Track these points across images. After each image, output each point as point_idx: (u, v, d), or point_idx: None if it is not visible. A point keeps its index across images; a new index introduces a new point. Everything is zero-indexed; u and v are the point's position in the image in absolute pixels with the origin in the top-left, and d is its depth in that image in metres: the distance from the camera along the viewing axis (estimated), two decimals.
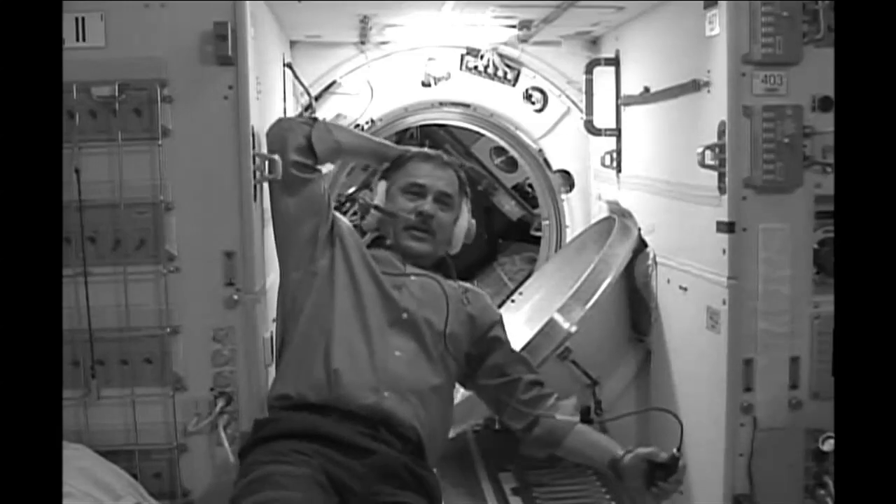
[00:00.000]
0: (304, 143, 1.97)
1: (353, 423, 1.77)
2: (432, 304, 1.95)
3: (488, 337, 2.02)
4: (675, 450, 1.74)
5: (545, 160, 3.15)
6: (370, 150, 2.17)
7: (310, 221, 1.97)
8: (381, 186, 2.09)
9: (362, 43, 2.96)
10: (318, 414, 1.79)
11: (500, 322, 2.08)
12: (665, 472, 1.74)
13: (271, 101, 2.36)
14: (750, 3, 1.92)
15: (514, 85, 3.10)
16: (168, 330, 1.94)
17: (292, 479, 1.62)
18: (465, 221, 2.13)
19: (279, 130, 1.99)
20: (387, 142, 2.21)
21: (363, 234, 2.13)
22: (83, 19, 1.89)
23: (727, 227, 1.98)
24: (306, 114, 2.90)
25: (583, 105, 2.96)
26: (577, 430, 1.91)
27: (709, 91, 2.07)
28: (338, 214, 2.06)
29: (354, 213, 4.10)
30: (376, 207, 2.06)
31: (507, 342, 2.06)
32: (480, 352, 2.01)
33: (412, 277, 1.99)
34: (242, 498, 1.59)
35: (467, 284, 2.11)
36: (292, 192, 1.96)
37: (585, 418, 1.76)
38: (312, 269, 1.95)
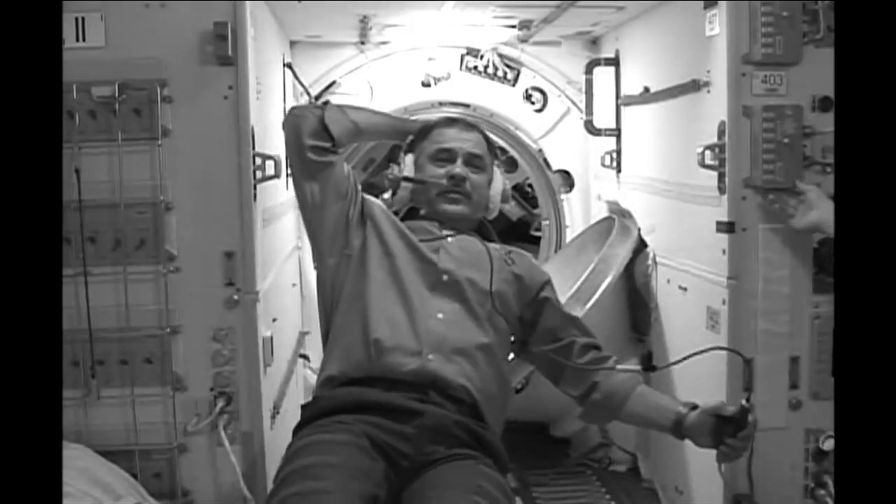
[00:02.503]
0: (317, 126, 1.93)
1: (399, 390, 1.73)
2: (474, 262, 1.91)
3: (539, 298, 1.97)
4: (743, 401, 1.60)
5: (545, 160, 3.15)
6: (390, 126, 2.13)
7: (337, 205, 1.93)
8: (409, 159, 2.05)
9: (362, 43, 2.96)
10: (362, 387, 1.75)
11: (548, 282, 2.03)
12: (733, 427, 1.61)
13: (271, 101, 2.36)
14: (750, 3, 1.92)
15: (514, 85, 3.10)
16: (168, 330, 1.94)
17: (329, 444, 1.60)
18: (500, 183, 2.08)
19: (292, 118, 1.96)
20: (406, 117, 2.17)
21: (396, 212, 2.08)
22: (83, 19, 1.89)
23: (727, 227, 1.98)
24: None
25: (583, 105, 2.96)
26: (638, 393, 1.84)
27: (709, 91, 2.07)
28: (367, 196, 2.02)
29: None
30: (406, 178, 2.02)
31: (558, 303, 2.01)
32: (533, 315, 1.96)
33: (449, 239, 1.95)
34: (282, 470, 1.58)
35: (510, 246, 2.07)
36: (314, 178, 1.92)
37: (648, 366, 1.65)
38: (347, 252, 1.93)
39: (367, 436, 1.64)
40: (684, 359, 1.72)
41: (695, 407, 1.75)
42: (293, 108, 2.00)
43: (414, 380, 1.74)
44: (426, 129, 2.07)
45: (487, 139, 2.10)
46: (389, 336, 1.78)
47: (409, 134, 2.10)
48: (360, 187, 2.01)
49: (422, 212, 2.04)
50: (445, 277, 1.88)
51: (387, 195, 2.06)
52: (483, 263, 1.90)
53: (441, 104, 3.08)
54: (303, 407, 1.84)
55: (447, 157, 2.01)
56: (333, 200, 1.93)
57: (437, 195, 1.99)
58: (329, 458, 1.55)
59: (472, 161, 2.02)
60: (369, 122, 2.07)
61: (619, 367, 1.80)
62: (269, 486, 1.92)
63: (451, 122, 2.09)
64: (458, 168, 1.99)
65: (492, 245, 1.99)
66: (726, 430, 1.63)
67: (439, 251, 1.93)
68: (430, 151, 2.02)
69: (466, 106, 3.09)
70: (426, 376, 1.74)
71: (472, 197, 2.01)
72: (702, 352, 1.82)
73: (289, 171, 2.09)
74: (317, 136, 1.92)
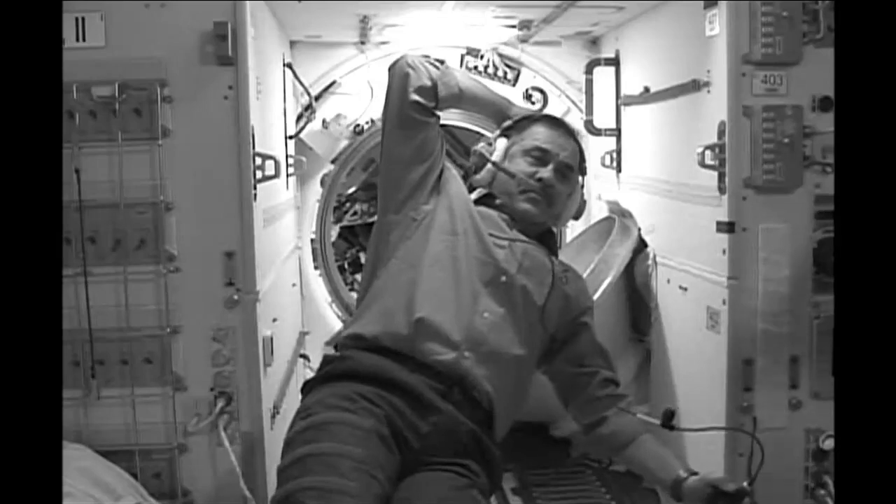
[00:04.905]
0: (428, 84, 1.91)
1: (426, 376, 1.71)
2: (534, 273, 1.89)
3: (578, 321, 1.96)
4: (745, 483, 1.62)
5: None
6: (491, 102, 2.09)
7: (420, 166, 1.91)
8: (501, 144, 2.02)
9: (362, 43, 2.95)
10: (392, 360, 1.72)
11: (591, 309, 2.02)
12: (727, 502, 1.62)
13: (271, 101, 2.36)
14: (750, 3, 1.92)
15: (514, 85, 3.09)
16: (168, 330, 1.94)
17: (354, 429, 1.57)
18: (578, 198, 2.07)
19: (405, 68, 1.92)
20: (509, 99, 2.13)
21: (470, 189, 2.06)
22: (83, 19, 1.89)
23: (727, 227, 1.98)
24: (306, 113, 2.92)
25: (583, 105, 2.96)
26: (642, 440, 1.84)
27: (709, 91, 2.07)
28: (449, 166, 2.00)
29: (354, 213, 4.11)
30: (496, 165, 1.99)
31: (593, 331, 1.99)
32: (566, 335, 1.94)
33: (518, 242, 1.92)
34: (298, 444, 1.56)
35: (567, 263, 2.05)
36: (406, 133, 1.91)
37: (667, 424, 1.67)
38: (413, 214, 1.90)
39: (388, 422, 1.63)
40: (704, 429, 1.79)
41: (694, 473, 1.73)
42: (406, 56, 1.95)
43: (443, 371, 1.72)
44: (528, 121, 2.04)
45: (581, 152, 2.08)
46: (434, 320, 1.75)
47: (508, 118, 2.07)
48: (444, 154, 1.98)
49: (497, 201, 2.01)
50: (504, 278, 1.85)
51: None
52: (544, 277, 1.89)
53: None
54: (326, 358, 1.82)
55: (541, 157, 1.98)
56: (418, 161, 1.91)
57: (520, 192, 1.97)
58: (354, 451, 1.52)
59: (563, 170, 1.99)
60: (472, 94, 2.03)
61: (639, 415, 1.80)
62: (270, 486, 1.93)
63: (554, 122, 2.06)
64: (548, 173, 1.97)
65: (553, 260, 1.97)
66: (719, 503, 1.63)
67: (504, 250, 1.89)
68: (527, 146, 1.99)
69: None
70: (456, 372, 1.73)
71: (552, 205, 1.99)
72: (717, 429, 1.89)
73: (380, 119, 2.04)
74: (423, 93, 1.91)
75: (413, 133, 1.91)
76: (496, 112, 2.09)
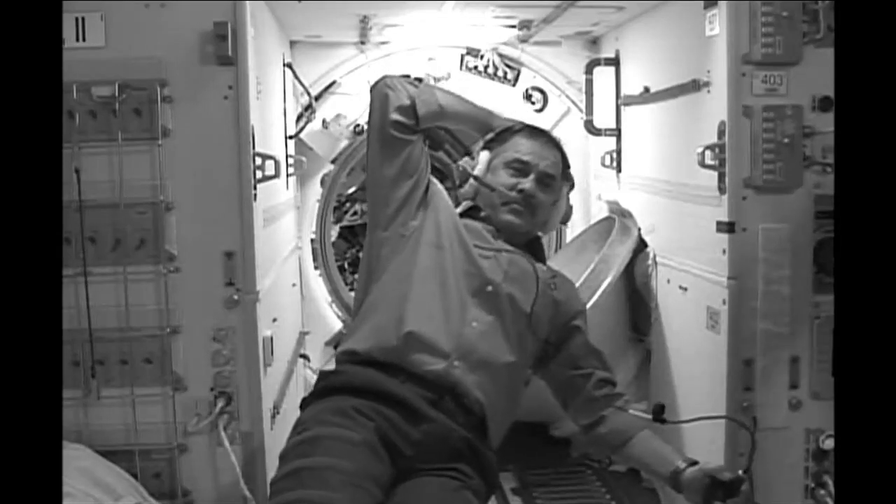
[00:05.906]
0: (406, 103, 1.93)
1: (418, 386, 1.73)
2: (520, 281, 1.91)
3: (570, 325, 1.97)
4: (741, 471, 1.63)
5: None
6: (473, 117, 2.10)
7: (405, 183, 1.93)
8: (483, 157, 2.04)
9: (362, 43, 2.96)
10: (383, 373, 1.75)
11: (583, 312, 2.04)
12: (726, 492, 1.61)
13: (271, 101, 2.36)
14: (750, 3, 1.92)
15: (514, 85, 3.10)
16: (168, 330, 1.95)
17: (344, 443, 1.60)
18: (564, 205, 2.09)
19: (383, 89, 1.95)
20: (491, 110, 2.14)
21: (457, 202, 2.07)
22: (83, 19, 1.89)
23: (727, 227, 1.98)
24: (306, 113, 2.92)
25: (583, 105, 2.96)
26: (641, 437, 1.85)
27: (709, 91, 2.07)
28: (434, 181, 2.02)
29: (354, 213, 4.11)
30: (476, 178, 2.01)
31: (586, 334, 2.01)
32: (559, 339, 1.96)
33: (503, 252, 1.94)
34: (291, 458, 1.59)
35: (556, 269, 2.07)
36: (390, 152, 1.93)
37: (658, 417, 1.70)
38: (402, 230, 1.92)
39: (379, 433, 1.65)
40: (695, 420, 1.83)
41: (694, 463, 1.73)
42: (385, 77, 1.98)
43: (434, 380, 1.75)
44: (508, 134, 2.06)
45: (565, 159, 2.09)
46: (423, 332, 1.78)
47: (491, 130, 2.08)
48: (429, 170, 2.00)
49: (482, 213, 2.03)
50: (490, 288, 1.87)
51: None
52: (529, 285, 1.90)
53: None
54: (322, 373, 1.84)
55: (522, 168, 1.99)
56: (402, 177, 1.93)
57: (502, 204, 1.99)
58: (344, 464, 1.55)
59: (545, 180, 2.01)
60: (454, 109, 2.04)
61: (631, 411, 1.82)
62: (269, 486, 1.93)
63: (535, 133, 2.08)
64: (529, 184, 1.98)
65: (540, 267, 1.99)
66: (717, 494, 1.63)
67: (489, 260, 1.92)
68: (507, 158, 2.01)
69: None
70: (447, 381, 1.75)
71: (535, 214, 2.01)
72: (710, 418, 1.90)
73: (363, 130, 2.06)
74: (403, 112, 1.93)
75: (397, 151, 1.93)
76: (479, 125, 2.11)
